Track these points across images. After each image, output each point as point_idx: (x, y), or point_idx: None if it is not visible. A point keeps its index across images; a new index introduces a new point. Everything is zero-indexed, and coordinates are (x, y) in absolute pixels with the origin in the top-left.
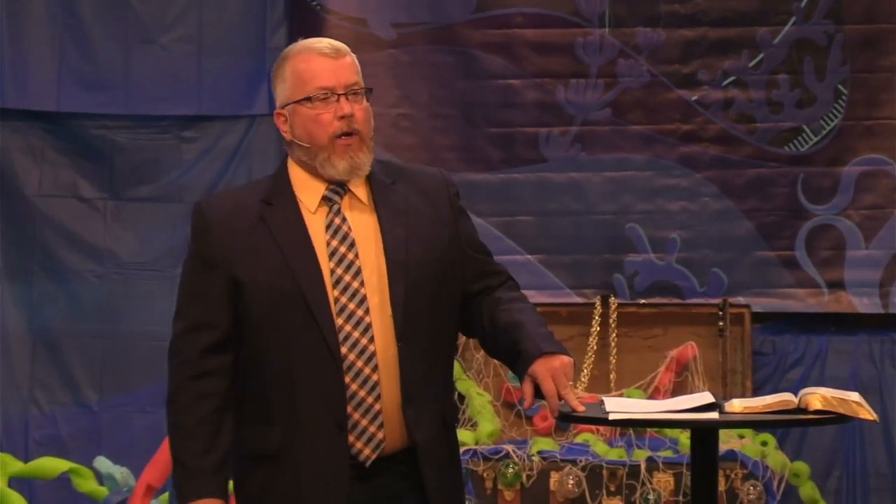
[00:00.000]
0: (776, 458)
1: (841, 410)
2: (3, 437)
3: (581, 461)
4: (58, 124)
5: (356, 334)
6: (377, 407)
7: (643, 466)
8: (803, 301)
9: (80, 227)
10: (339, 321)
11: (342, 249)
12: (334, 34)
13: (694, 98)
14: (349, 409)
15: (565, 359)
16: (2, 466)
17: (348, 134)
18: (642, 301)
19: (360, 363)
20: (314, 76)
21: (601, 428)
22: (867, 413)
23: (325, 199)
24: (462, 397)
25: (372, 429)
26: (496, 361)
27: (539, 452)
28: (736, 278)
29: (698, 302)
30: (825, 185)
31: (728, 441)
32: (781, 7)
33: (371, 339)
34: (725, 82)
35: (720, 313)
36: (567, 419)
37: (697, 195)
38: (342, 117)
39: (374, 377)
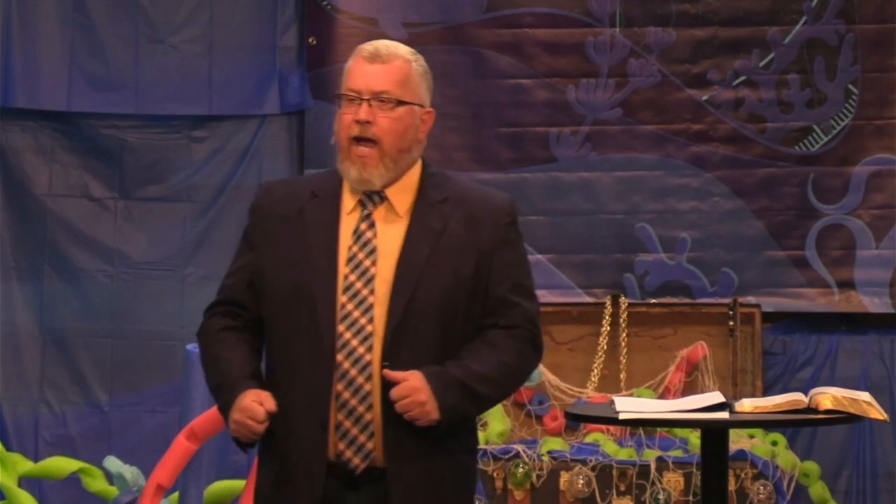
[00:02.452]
0: (786, 458)
1: (851, 410)
2: (14, 436)
3: (591, 461)
4: (68, 124)
5: (354, 342)
6: (368, 417)
7: (653, 466)
8: (813, 301)
9: (91, 227)
10: (341, 328)
11: (360, 256)
12: (345, 34)
13: (704, 98)
14: (340, 416)
15: (424, 390)
16: (12, 466)
17: (362, 140)
18: (652, 301)
19: (353, 371)
20: (348, 76)
21: (611, 427)
22: (877, 413)
23: (360, 202)
24: None
25: (362, 438)
26: None
27: (549, 452)
28: (746, 278)
29: (709, 301)
30: (835, 184)
31: (738, 441)
32: (792, 6)
33: (369, 349)
34: (736, 82)
35: (730, 313)
36: (577, 419)
37: (708, 195)
38: (357, 121)
39: (367, 387)
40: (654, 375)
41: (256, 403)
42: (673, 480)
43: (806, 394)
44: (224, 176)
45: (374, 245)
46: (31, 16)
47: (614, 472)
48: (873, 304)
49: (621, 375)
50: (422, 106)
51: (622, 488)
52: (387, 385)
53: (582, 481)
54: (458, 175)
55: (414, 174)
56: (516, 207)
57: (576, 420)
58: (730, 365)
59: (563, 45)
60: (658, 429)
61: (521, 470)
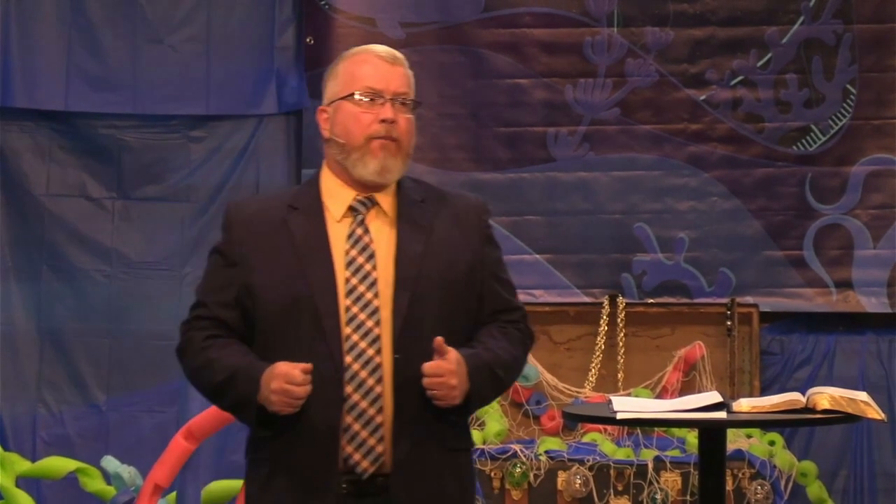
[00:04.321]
0: (784, 458)
1: (849, 410)
2: (11, 436)
3: (588, 460)
4: (66, 124)
5: (363, 344)
6: (378, 419)
7: (651, 466)
8: (811, 300)
9: (88, 227)
10: (348, 330)
11: (360, 260)
12: (342, 34)
13: (702, 97)
14: (349, 419)
15: (457, 375)
16: (10, 466)
17: (386, 139)
18: (650, 300)
19: (363, 373)
20: (365, 76)
21: (609, 427)
22: (875, 413)
23: (351, 208)
24: None
25: (371, 441)
26: None
27: (546, 452)
28: (744, 278)
29: (706, 301)
30: (833, 184)
31: (735, 440)
32: (790, 6)
33: (378, 351)
34: (734, 82)
35: (728, 313)
36: (575, 419)
37: (706, 195)
38: (383, 121)
39: (378, 389)
40: (651, 375)
41: (290, 367)
42: (670, 480)
43: (803, 393)
44: (222, 176)
45: (372, 249)
46: (30, 16)
47: (612, 471)
48: (871, 304)
49: (619, 375)
50: None
51: (619, 488)
52: (400, 385)
53: (579, 481)
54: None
55: None
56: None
57: (573, 420)
58: (727, 365)
59: (560, 45)
60: (655, 429)
61: (518, 469)
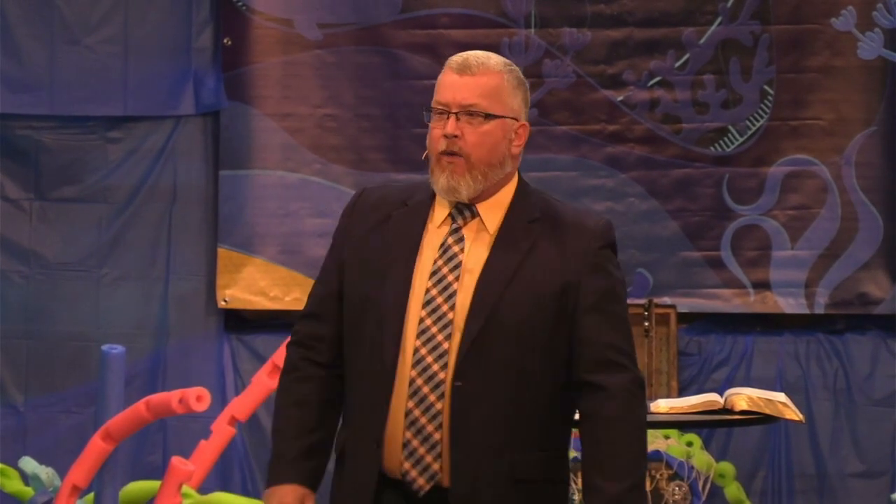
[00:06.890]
0: (701, 459)
1: (767, 411)
2: None
3: None
4: None
5: (430, 359)
6: (437, 436)
7: None
8: (729, 301)
9: (6, 228)
10: (418, 343)
11: (444, 271)
12: (260, 34)
13: (619, 98)
14: (409, 434)
15: None
16: None
17: (450, 154)
18: None
19: (426, 389)
20: (438, 89)
21: None
22: (793, 413)
23: (450, 216)
24: None
25: (428, 458)
26: None
27: None
28: (661, 279)
29: None
30: (751, 185)
31: (653, 441)
32: (707, 7)
33: (443, 367)
34: (651, 83)
35: (646, 314)
36: None
37: (623, 195)
38: (444, 135)
39: (438, 406)
40: None
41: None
42: None
43: (721, 394)
44: (139, 177)
45: (460, 261)
46: None
47: None
48: (789, 304)
49: None
50: (515, 119)
51: None
52: (457, 405)
53: None
54: (554, 196)
55: (508, 191)
56: (613, 229)
57: None
58: (645, 366)
59: (478, 46)
60: (572, 429)
61: None
